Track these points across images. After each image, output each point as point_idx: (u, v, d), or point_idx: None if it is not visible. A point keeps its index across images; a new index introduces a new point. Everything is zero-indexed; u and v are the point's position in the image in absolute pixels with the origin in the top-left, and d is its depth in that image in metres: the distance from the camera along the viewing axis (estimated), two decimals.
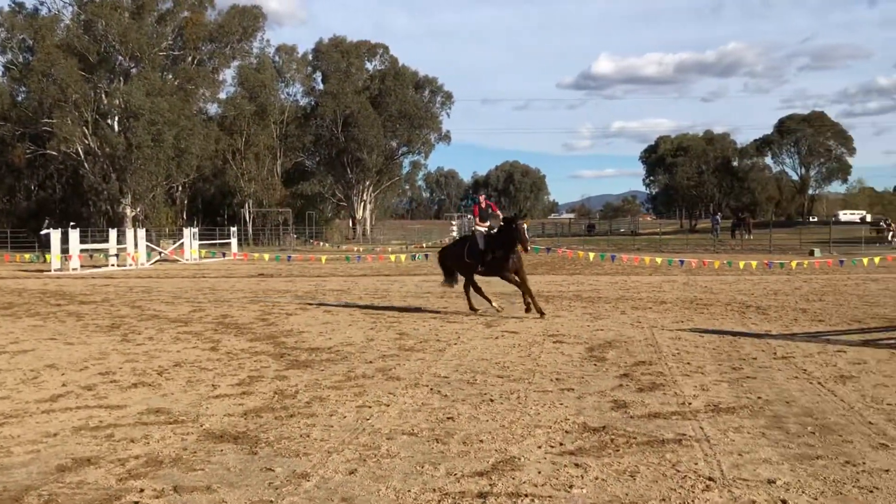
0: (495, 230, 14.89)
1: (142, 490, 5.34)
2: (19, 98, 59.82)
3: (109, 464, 5.92)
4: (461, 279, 15.88)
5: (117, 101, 57.98)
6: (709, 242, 50.19)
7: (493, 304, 15.11)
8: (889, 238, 49.67)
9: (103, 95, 58.96)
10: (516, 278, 14.57)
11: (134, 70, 60.29)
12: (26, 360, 10.38)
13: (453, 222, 64.33)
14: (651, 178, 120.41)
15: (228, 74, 71.74)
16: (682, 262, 29.82)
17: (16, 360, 10.39)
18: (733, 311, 15.52)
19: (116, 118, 58.75)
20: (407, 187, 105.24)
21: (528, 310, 14.45)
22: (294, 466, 5.83)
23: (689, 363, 9.87)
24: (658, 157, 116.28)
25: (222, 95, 71.03)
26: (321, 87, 79.15)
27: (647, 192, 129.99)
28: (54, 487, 5.38)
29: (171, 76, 63.50)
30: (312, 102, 79.07)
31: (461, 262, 15.38)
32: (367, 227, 79.75)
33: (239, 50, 68.55)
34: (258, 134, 71.89)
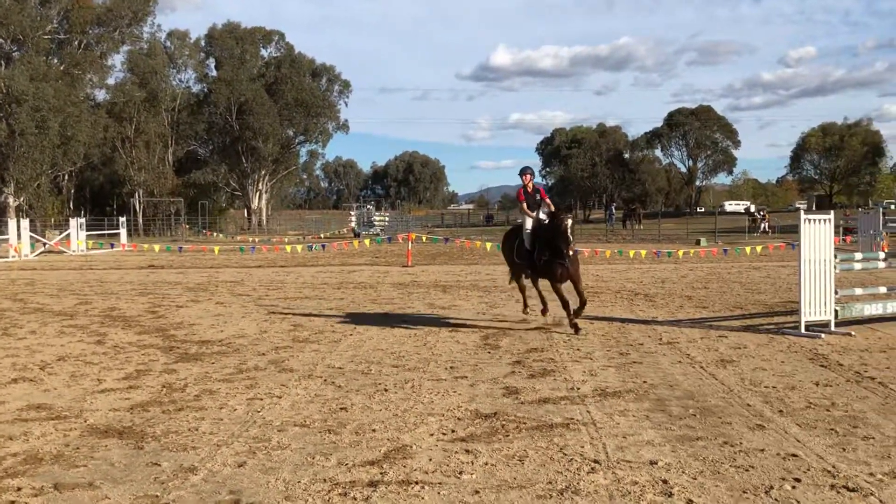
0: (546, 224, 11.64)
1: (19, 489, 5.15)
2: None
3: None
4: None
5: None
6: (601, 232, 51.45)
7: (547, 309, 12.62)
8: (763, 228, 51.84)
9: None
10: (562, 291, 11.53)
11: (16, 53, 57.78)
12: None
13: (352, 213, 63.88)
14: (547, 169, 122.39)
15: (118, 60, 69.54)
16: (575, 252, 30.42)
17: None
18: (622, 298, 15.94)
19: None
20: (305, 177, 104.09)
21: (575, 328, 11.35)
22: (181, 460, 5.72)
23: (578, 349, 10.10)
24: (553, 148, 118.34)
25: (111, 81, 68.85)
26: (214, 73, 77.48)
27: (544, 183, 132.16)
28: None
29: (56, 61, 61.13)
30: (205, 89, 77.33)
31: (511, 259, 12.77)
32: (264, 218, 78.52)
33: (129, 34, 66.49)
34: (149, 121, 69.90)
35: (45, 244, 37.29)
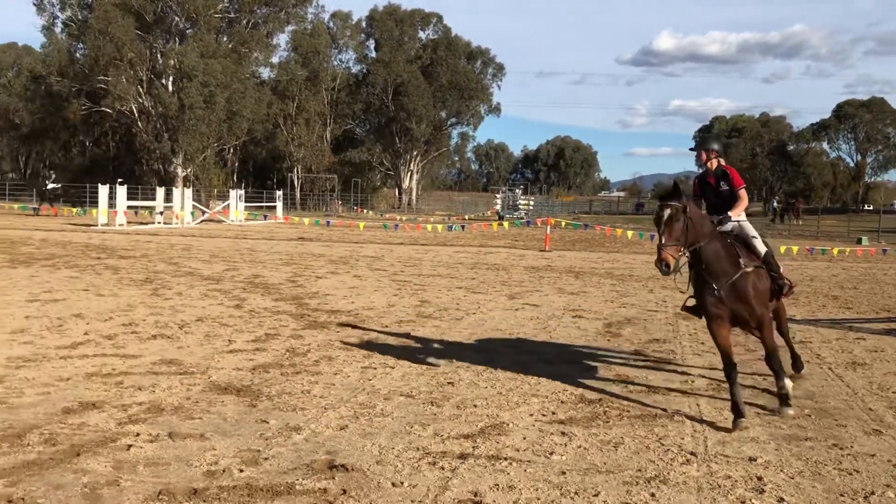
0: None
1: (138, 434, 5.55)
2: (77, 55, 60.78)
3: (113, 409, 6.15)
4: None
5: (172, 62, 58.63)
6: (756, 226, 49.46)
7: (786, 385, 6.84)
8: None
9: (158, 55, 59.67)
10: (725, 336, 6.69)
11: (189, 31, 60.87)
12: (56, 309, 10.72)
13: (498, 196, 64.13)
14: None
15: (282, 39, 72.09)
16: None
17: (45, 309, 10.74)
18: None
19: (170, 78, 59.44)
20: (456, 159, 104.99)
21: (781, 401, 6.72)
22: (288, 420, 6.01)
23: (702, 343, 9.85)
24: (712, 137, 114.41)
25: (275, 60, 71.50)
26: (373, 54, 79.19)
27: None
28: (56, 427, 5.62)
29: (225, 38, 64.01)
30: (364, 70, 79.15)
31: None
32: (413, 197, 79.92)
33: (294, 15, 68.75)
34: (309, 99, 72.22)
35: (203, 212, 39.36)
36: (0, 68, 74.65)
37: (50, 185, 43.53)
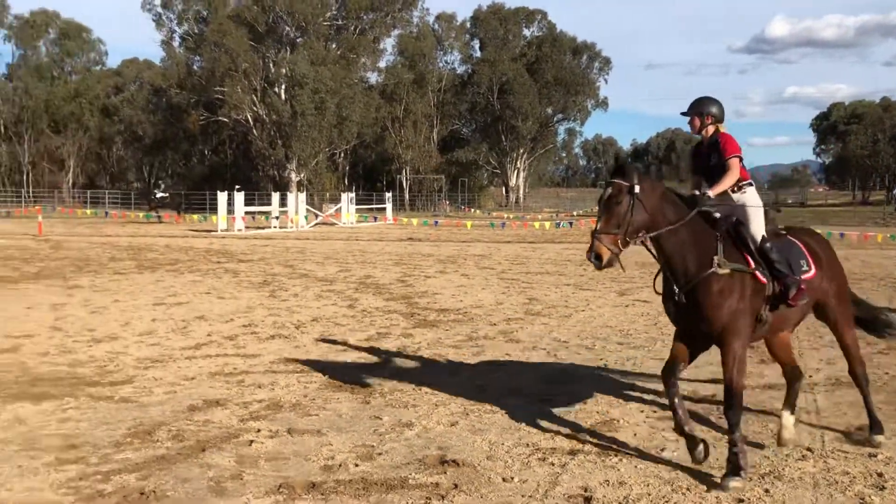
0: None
1: (258, 430, 5.81)
2: (194, 67, 63.24)
3: (235, 406, 6.45)
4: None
5: (284, 70, 60.36)
6: (878, 216, 47.46)
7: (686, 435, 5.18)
8: None
9: (271, 64, 61.52)
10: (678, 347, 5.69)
11: (299, 40, 62.53)
12: (180, 312, 11.25)
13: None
14: (822, 146, 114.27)
15: (389, 43, 73.14)
16: (842, 234, 28.37)
17: (171, 312, 11.28)
18: (885, 286, 14.79)
19: (283, 86, 61.19)
20: (563, 155, 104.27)
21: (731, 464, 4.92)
22: (400, 416, 6.17)
23: (821, 337, 9.53)
24: (830, 124, 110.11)
25: (382, 64, 72.60)
26: (478, 54, 79.45)
27: (819, 161, 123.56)
28: (182, 424, 5.94)
29: (334, 45, 65.42)
30: (469, 70, 79.50)
31: None
32: (521, 195, 79.80)
33: (399, 19, 69.64)
34: (416, 102, 73.04)
35: (316, 216, 40.34)
36: (123, 83, 78.25)
37: (159, 195, 45.60)
